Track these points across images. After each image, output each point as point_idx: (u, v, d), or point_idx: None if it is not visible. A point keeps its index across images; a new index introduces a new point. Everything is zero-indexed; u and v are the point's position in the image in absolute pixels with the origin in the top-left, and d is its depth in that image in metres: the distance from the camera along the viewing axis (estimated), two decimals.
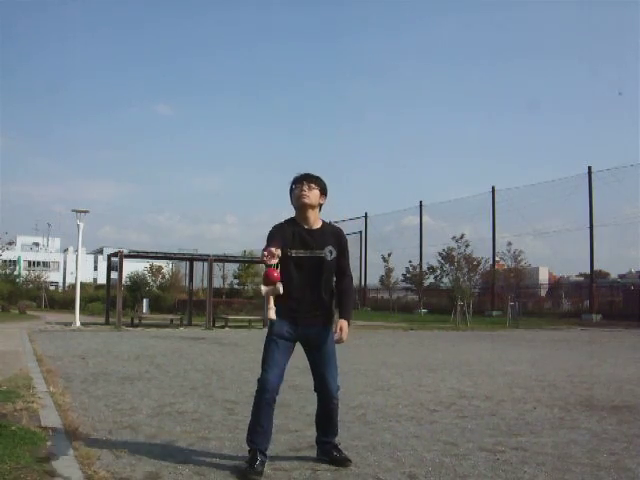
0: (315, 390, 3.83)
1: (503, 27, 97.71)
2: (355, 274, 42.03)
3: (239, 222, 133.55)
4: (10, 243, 36.60)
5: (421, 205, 39.26)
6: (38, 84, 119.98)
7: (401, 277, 38.43)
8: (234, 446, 4.15)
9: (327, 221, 3.90)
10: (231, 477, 3.49)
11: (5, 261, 46.15)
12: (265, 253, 3.35)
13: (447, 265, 25.33)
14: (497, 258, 33.95)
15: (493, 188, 34.63)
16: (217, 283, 34.59)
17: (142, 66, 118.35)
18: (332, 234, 3.81)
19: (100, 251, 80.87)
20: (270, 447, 3.67)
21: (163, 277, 37.02)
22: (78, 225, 19.62)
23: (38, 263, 77.62)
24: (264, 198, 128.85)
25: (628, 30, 75.78)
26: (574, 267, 42.80)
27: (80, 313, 19.86)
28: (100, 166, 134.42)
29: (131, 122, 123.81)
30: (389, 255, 38.80)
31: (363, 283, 42.11)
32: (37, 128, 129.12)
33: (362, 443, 4.29)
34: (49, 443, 3.89)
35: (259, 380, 3.64)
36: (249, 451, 3.60)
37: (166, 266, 38.12)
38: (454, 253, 24.75)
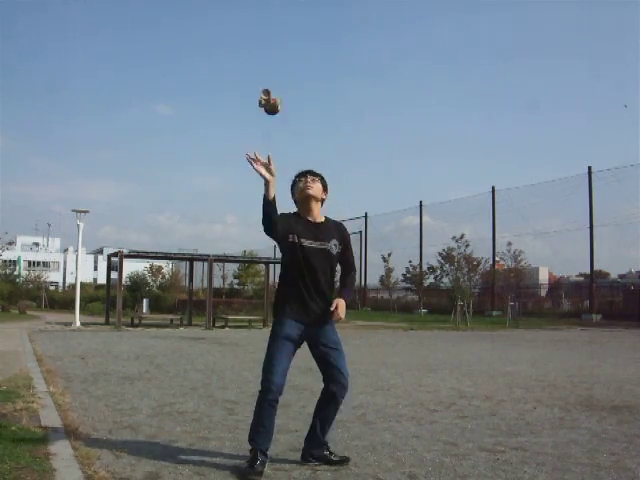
0: (326, 380, 3.73)
1: (503, 27, 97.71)
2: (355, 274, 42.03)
3: (239, 222, 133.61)
4: (10, 243, 36.66)
5: (421, 205, 39.26)
6: (38, 84, 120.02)
7: (401, 277, 38.44)
8: (234, 446, 4.15)
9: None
10: (231, 477, 3.48)
11: (5, 261, 46.16)
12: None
13: (447, 265, 25.35)
14: (497, 258, 33.95)
15: (493, 188, 34.65)
16: (217, 283, 34.66)
17: (142, 66, 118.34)
18: (335, 228, 3.85)
19: (100, 251, 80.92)
20: (270, 447, 3.67)
21: (163, 277, 37.03)
22: (78, 225, 19.63)
23: (38, 263, 77.64)
24: None
25: (628, 30, 75.80)
26: (574, 267, 42.78)
27: (80, 313, 19.86)
28: (100, 166, 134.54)
29: (131, 122, 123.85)
30: (389, 255, 38.79)
31: (363, 283, 42.10)
32: (37, 128, 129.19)
33: (362, 443, 4.29)
34: (49, 443, 3.89)
35: (263, 381, 3.61)
36: (250, 450, 3.59)
37: (166, 266, 38.14)
38: (454, 253, 24.76)
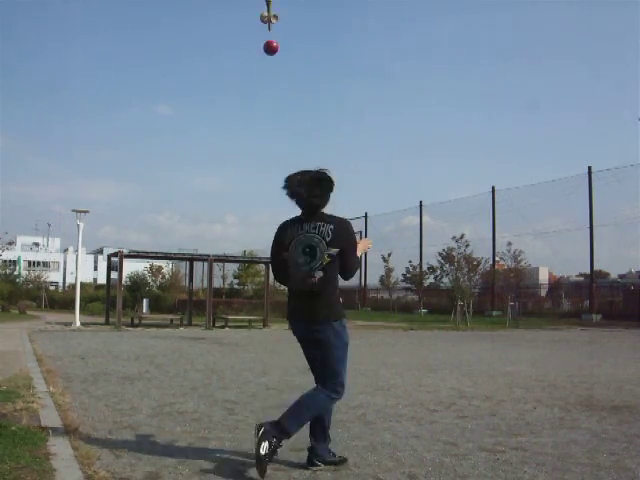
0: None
1: (503, 27, 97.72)
2: (355, 274, 41.98)
3: (239, 222, 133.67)
4: (10, 243, 36.65)
5: (421, 205, 39.26)
6: (38, 84, 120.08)
7: (401, 277, 38.42)
8: (234, 446, 4.15)
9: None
10: (231, 477, 3.49)
11: (5, 261, 46.13)
12: None
13: (447, 265, 25.31)
14: (497, 258, 33.94)
15: (493, 188, 34.65)
16: (217, 283, 34.58)
17: (142, 66, 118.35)
18: None
19: (100, 251, 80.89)
20: None
21: (163, 277, 37.01)
22: (78, 225, 19.62)
23: (38, 263, 77.62)
24: (264, 198, 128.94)
25: (628, 30, 75.81)
26: (574, 267, 42.76)
27: (80, 313, 19.86)
28: (100, 166, 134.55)
29: (131, 122, 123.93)
30: (389, 255, 38.76)
31: (363, 283, 42.10)
32: (37, 128, 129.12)
33: (362, 443, 4.29)
34: (49, 443, 3.89)
35: (344, 383, 3.66)
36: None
37: (166, 266, 38.11)
38: (454, 253, 24.73)
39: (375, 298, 42.58)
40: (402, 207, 54.72)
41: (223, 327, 19.87)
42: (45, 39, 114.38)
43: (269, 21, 3.92)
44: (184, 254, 28.14)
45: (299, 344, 3.78)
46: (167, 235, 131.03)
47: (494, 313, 31.07)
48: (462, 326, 22.32)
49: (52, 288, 56.49)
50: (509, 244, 33.03)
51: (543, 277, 40.33)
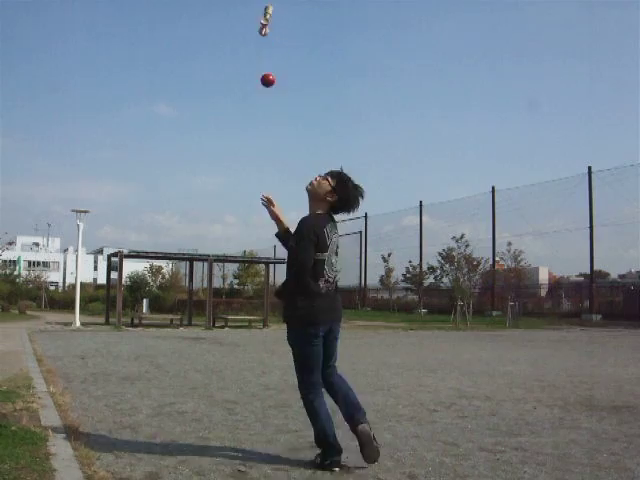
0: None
1: (503, 27, 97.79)
2: (355, 274, 42.07)
3: (239, 222, 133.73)
4: (10, 243, 36.56)
5: (421, 205, 39.22)
6: (38, 84, 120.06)
7: (401, 277, 38.37)
8: (234, 446, 4.15)
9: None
10: (231, 477, 3.49)
11: (5, 261, 46.13)
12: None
13: (447, 265, 25.31)
14: (497, 258, 33.90)
15: (493, 188, 34.62)
16: (217, 283, 34.61)
17: (142, 66, 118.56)
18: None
19: (100, 251, 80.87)
20: (270, 447, 3.67)
21: (163, 277, 36.98)
22: (78, 225, 19.61)
23: (38, 263, 77.60)
24: None
25: (628, 30, 75.80)
26: (574, 267, 42.82)
27: (80, 313, 19.85)
28: (100, 166, 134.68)
29: (131, 122, 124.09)
30: (389, 255, 38.71)
31: (363, 283, 42.10)
32: (37, 128, 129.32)
33: None
34: (49, 443, 3.89)
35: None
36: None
37: (166, 266, 38.09)
38: (454, 253, 24.73)
39: (375, 298, 42.55)
40: (402, 207, 54.85)
41: (223, 327, 19.86)
42: (45, 39, 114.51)
43: (264, 28, 3.95)
44: (184, 254, 28.14)
45: (312, 342, 3.70)
46: (167, 235, 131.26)
47: (494, 313, 31.05)
48: (462, 326, 22.31)
49: (52, 288, 56.42)
50: (509, 244, 33.01)
51: (543, 277, 40.32)
